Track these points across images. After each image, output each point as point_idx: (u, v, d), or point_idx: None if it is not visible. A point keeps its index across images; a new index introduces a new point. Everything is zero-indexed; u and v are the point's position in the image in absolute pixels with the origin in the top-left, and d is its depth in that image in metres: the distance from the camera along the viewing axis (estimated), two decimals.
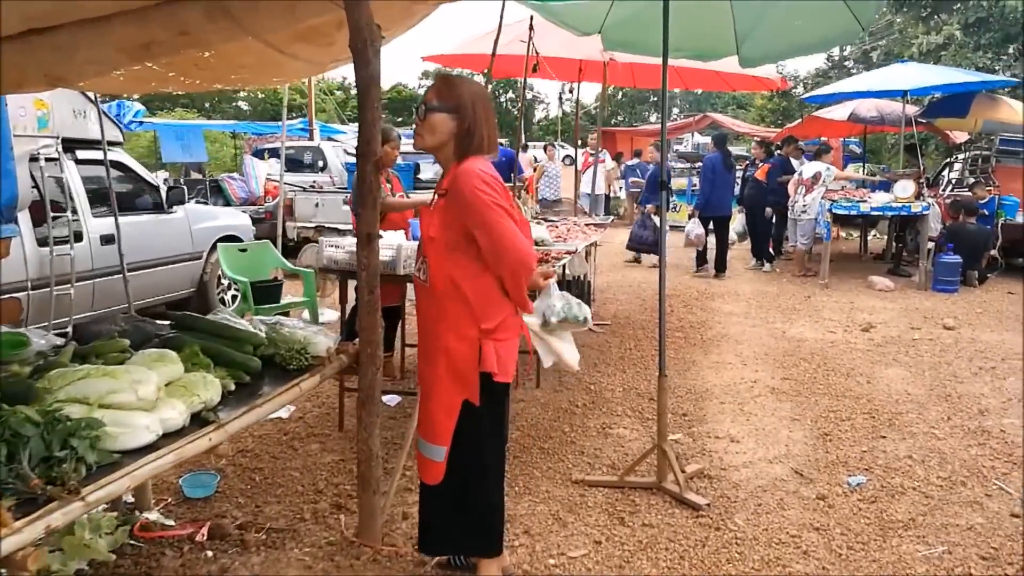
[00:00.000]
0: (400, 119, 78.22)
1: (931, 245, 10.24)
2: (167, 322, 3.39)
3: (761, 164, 11.86)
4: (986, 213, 10.50)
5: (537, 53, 5.37)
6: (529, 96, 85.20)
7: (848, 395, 5.67)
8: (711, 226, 11.18)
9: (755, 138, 17.39)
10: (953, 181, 12.72)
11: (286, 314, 6.63)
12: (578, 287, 7.70)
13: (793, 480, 4.20)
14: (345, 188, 12.09)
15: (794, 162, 11.71)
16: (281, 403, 2.87)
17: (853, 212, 10.56)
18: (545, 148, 15.83)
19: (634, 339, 7.37)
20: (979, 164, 11.62)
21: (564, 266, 6.35)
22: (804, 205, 10.63)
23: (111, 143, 6.33)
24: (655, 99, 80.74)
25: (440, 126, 2.84)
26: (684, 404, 5.48)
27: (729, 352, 6.92)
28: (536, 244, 5.85)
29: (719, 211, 10.92)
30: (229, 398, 2.75)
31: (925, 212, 9.97)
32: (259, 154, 15.14)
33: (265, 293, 6.41)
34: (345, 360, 3.25)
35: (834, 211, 10.25)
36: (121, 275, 6.14)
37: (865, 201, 10.24)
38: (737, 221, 11.68)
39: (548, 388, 5.77)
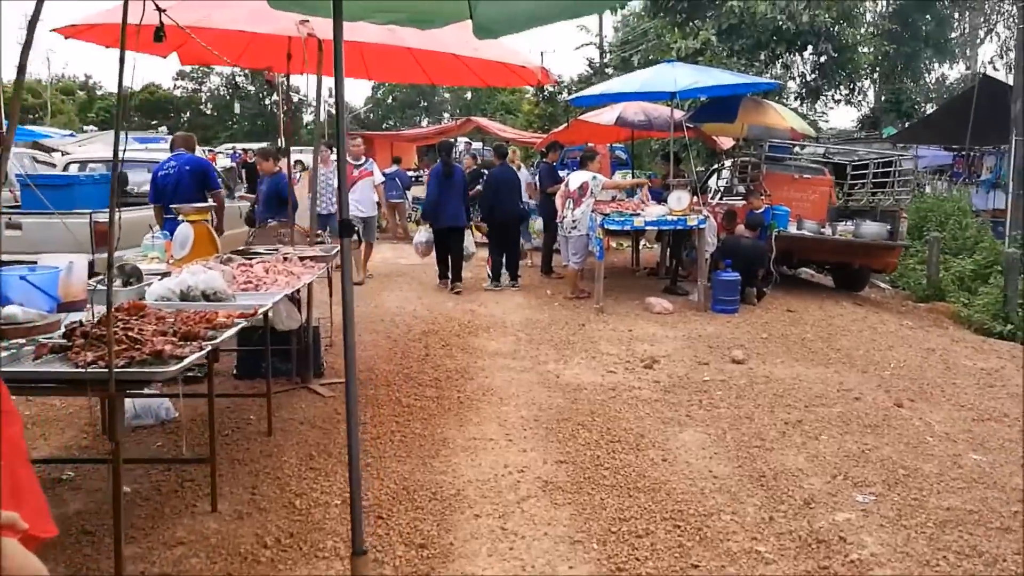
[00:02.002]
0: (154, 122, 72.19)
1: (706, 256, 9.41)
2: None
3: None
4: (766, 224, 9.84)
5: (161, 11, 3.50)
6: (296, 99, 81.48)
7: (642, 485, 4.29)
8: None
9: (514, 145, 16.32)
10: (722, 189, 12.16)
11: None
12: (299, 343, 5.93)
13: None
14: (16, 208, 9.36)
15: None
16: None
17: (627, 227, 9.52)
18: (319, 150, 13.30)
19: (374, 404, 5.66)
20: (748, 172, 11.06)
21: (266, 315, 4.60)
22: (574, 220, 9.44)
23: None
24: (426, 103, 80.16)
25: None
26: (424, 523, 3.85)
27: (492, 418, 5.40)
28: (207, 298, 4.00)
29: (449, 222, 10.13)
30: None
31: (702, 226, 9.08)
32: None
33: None
34: None
35: (606, 226, 9.13)
36: None
37: (638, 215, 9.21)
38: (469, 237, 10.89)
39: (231, 511, 3.93)
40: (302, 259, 5.33)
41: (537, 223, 12.73)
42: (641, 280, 11.43)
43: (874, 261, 10.51)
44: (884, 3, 27.97)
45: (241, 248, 5.98)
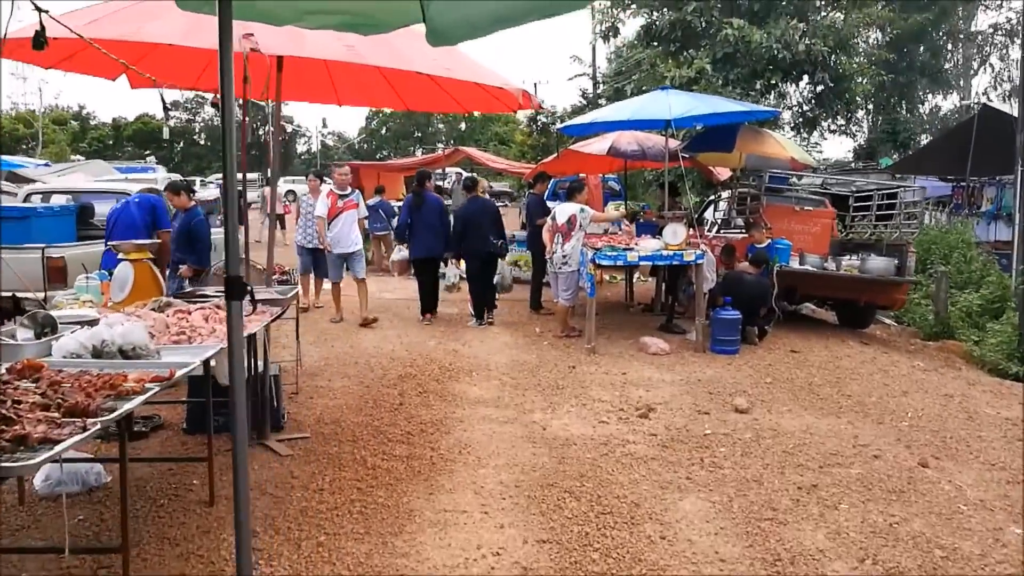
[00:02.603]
0: (147, 151, 71.74)
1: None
2: None
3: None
4: (773, 261, 9.26)
5: (41, 11, 2.93)
6: (289, 129, 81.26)
7: (637, 573, 3.67)
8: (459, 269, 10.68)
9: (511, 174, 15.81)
10: (719, 222, 11.63)
11: None
12: (254, 394, 5.30)
13: None
14: None
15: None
16: None
17: (620, 263, 8.94)
18: (307, 177, 12.04)
19: (336, 466, 5.03)
20: (747, 203, 10.52)
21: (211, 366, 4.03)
22: (564, 255, 8.87)
23: None
24: (420, 134, 79.95)
25: None
26: None
27: (467, 484, 4.77)
28: (124, 355, 3.41)
29: (423, 252, 10.11)
30: None
31: (700, 261, 8.51)
32: None
33: None
34: None
35: (598, 262, 8.56)
36: None
37: (632, 249, 8.64)
38: (451, 268, 11.32)
39: None
40: (253, 303, 4.73)
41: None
42: (635, 317, 10.84)
43: (882, 297, 9.94)
44: (879, 34, 27.74)
45: (188, 290, 5.38)
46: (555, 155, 14.10)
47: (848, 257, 10.00)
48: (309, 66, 5.71)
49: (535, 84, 44.88)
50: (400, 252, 10.77)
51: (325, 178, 10.97)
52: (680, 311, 10.06)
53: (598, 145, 11.86)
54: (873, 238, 10.60)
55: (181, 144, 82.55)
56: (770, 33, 17.98)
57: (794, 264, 9.61)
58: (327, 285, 10.65)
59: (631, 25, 23.27)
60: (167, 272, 7.02)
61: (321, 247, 10.19)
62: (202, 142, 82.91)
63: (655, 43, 21.12)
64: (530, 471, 4.98)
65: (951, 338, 10.81)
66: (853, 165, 25.36)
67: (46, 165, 17.77)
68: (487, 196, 11.95)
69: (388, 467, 5.00)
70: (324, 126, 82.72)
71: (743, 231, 10.26)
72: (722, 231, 11.15)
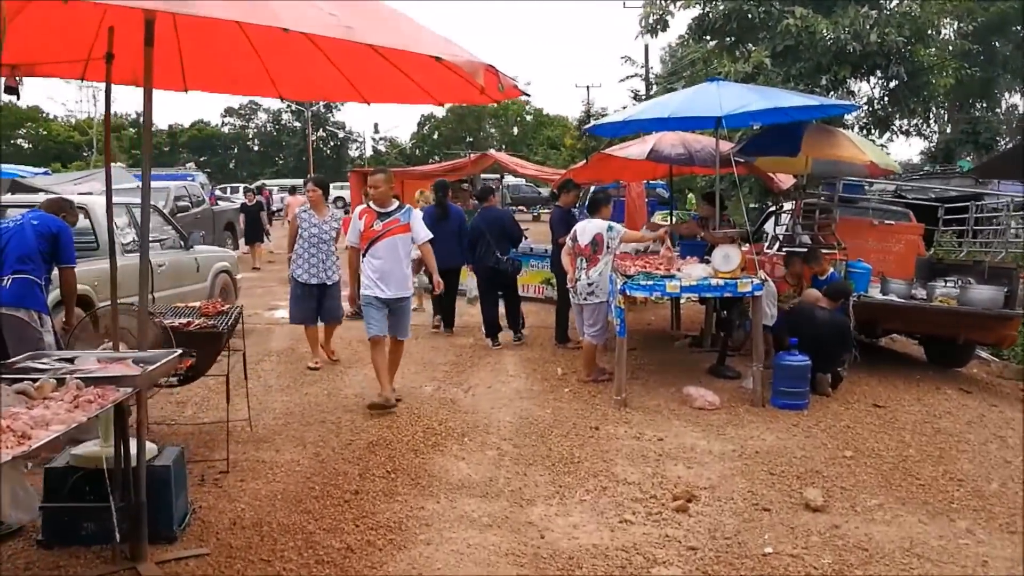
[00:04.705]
0: (203, 158, 72.59)
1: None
2: None
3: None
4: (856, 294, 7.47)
5: None
6: (341, 134, 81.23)
7: None
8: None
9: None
10: (781, 238, 9.82)
11: None
12: (127, 494, 3.76)
13: None
14: None
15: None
16: None
17: (657, 294, 7.24)
18: (305, 187, 9.18)
19: None
20: (815, 217, 8.70)
21: None
22: (590, 283, 7.24)
23: None
24: (471, 139, 78.85)
25: None
26: None
27: None
28: None
29: (446, 263, 8.76)
30: None
31: (757, 292, 6.77)
32: None
33: None
34: None
35: (629, 293, 6.88)
36: None
37: (673, 277, 6.91)
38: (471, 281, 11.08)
39: None
40: (87, 382, 3.20)
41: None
42: (680, 353, 9.10)
43: (987, 334, 8.02)
44: (958, 24, 25.34)
45: (18, 357, 3.84)
46: (583, 161, 12.40)
47: (942, 283, 8.14)
48: (220, 43, 4.19)
49: (588, 87, 43.18)
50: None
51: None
52: (734, 348, 8.32)
53: (637, 148, 10.13)
54: (972, 259, 8.72)
55: (235, 150, 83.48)
56: (837, 23, 16.06)
57: (874, 292, 7.80)
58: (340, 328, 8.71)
59: (682, 18, 21.52)
60: None
61: (328, 282, 7.95)
62: (256, 148, 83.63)
63: (708, 36, 19.34)
64: None
65: None
66: (927, 168, 23.11)
67: (46, 173, 16.71)
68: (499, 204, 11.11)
69: None
70: (376, 131, 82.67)
71: (805, 260, 8.44)
72: (784, 249, 9.33)
